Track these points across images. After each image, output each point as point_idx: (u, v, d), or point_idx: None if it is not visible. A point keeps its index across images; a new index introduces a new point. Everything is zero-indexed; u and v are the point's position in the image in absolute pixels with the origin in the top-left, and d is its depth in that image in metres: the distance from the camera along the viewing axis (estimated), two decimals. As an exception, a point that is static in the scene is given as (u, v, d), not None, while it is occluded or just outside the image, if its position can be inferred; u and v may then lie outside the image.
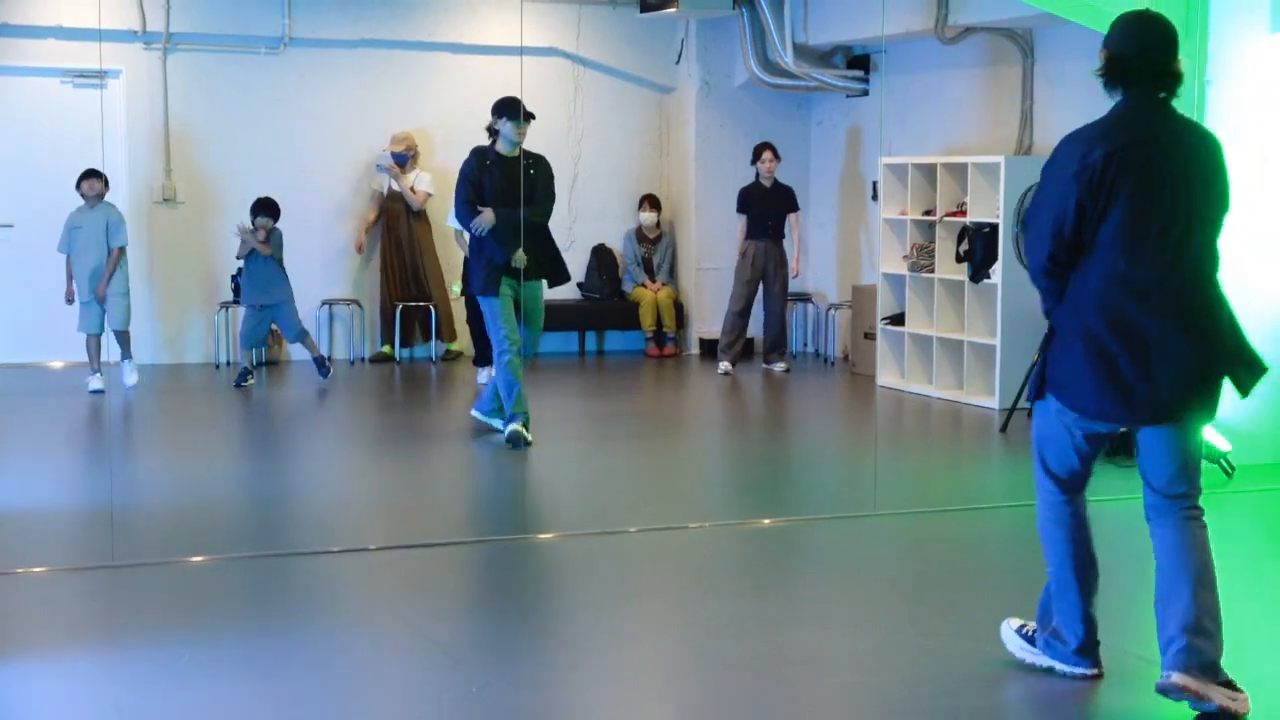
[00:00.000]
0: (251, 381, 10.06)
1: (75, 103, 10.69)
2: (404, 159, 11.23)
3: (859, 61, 11.63)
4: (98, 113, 9.89)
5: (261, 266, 10.15)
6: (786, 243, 11.18)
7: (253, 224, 10.19)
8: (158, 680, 4.51)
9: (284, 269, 10.26)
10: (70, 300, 9.48)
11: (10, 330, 10.41)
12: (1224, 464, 7.40)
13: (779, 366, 11.17)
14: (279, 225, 10.31)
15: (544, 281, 8.31)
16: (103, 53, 9.99)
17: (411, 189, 11.24)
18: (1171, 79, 4.14)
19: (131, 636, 5.00)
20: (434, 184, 11.32)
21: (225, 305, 11.02)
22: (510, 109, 8.14)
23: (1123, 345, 4.04)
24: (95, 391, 9.43)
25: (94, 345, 9.56)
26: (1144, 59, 4.11)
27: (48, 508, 6.87)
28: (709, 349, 11.87)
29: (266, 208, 10.27)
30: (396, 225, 11.29)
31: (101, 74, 10.46)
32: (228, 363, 11.05)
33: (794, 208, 11.23)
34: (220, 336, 11.08)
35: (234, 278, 10.91)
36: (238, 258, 10.30)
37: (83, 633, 5.08)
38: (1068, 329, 4.16)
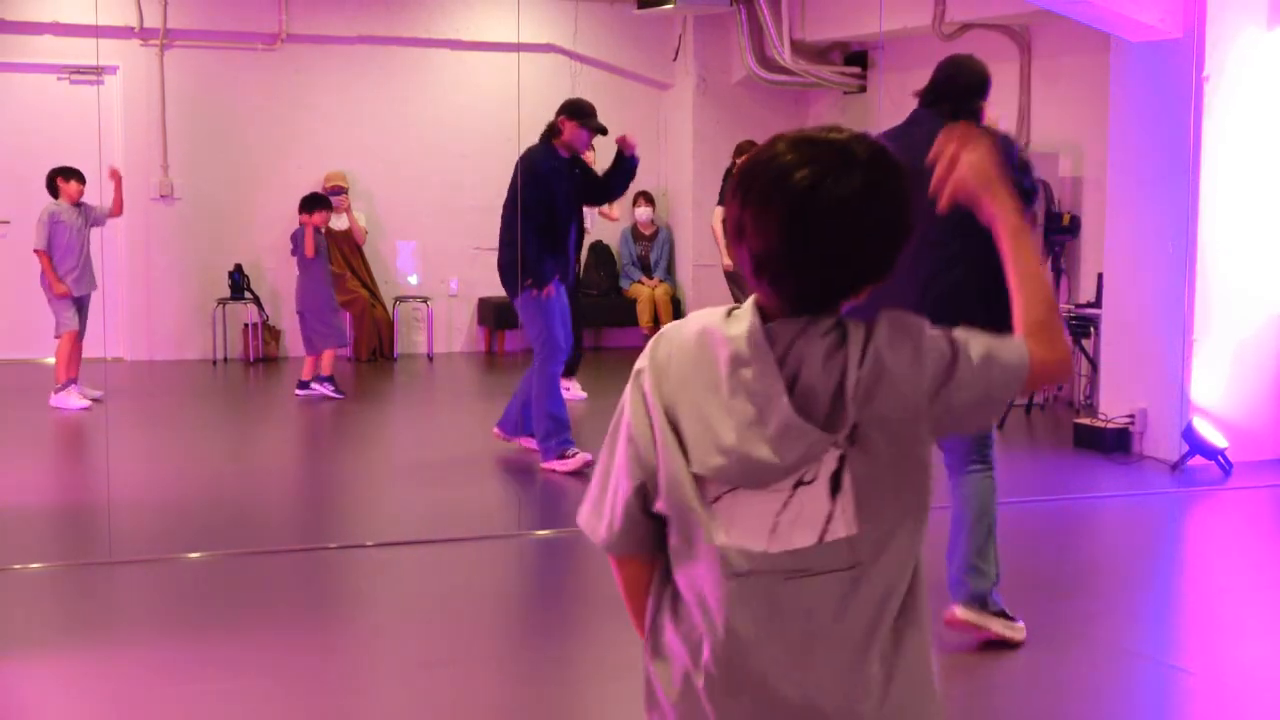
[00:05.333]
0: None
1: (72, 99, 10.67)
2: (341, 192, 11.17)
3: (856, 58, 11.62)
4: (94, 109, 9.87)
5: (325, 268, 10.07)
6: None
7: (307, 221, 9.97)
8: (155, 676, 4.51)
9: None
10: (67, 295, 9.27)
11: (7, 326, 10.39)
12: (1221, 461, 7.41)
13: None
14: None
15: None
16: (100, 49, 9.97)
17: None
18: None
19: (129, 633, 5.00)
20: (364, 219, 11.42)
21: (222, 302, 11.01)
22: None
23: None
24: (96, 400, 9.07)
25: (79, 347, 9.32)
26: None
27: (45, 504, 6.87)
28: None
29: (321, 202, 10.10)
30: (343, 258, 11.23)
31: (98, 70, 10.44)
32: (225, 359, 11.04)
33: None
34: (217, 333, 11.06)
35: (231, 274, 10.90)
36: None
37: (80, 629, 5.08)
38: None
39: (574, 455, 7.27)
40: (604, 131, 7.64)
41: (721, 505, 1.89)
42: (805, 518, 1.86)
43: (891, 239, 1.85)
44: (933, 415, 1.86)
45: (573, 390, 9.21)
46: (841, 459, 1.84)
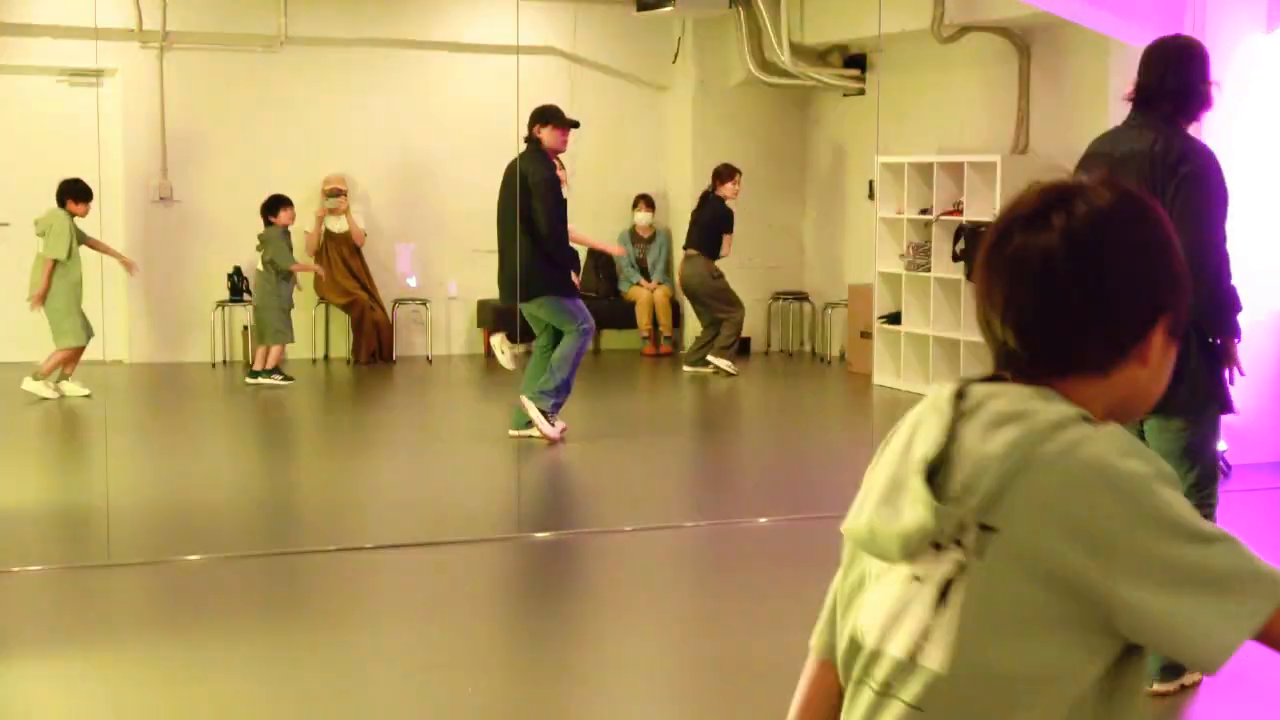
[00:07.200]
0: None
1: (71, 102, 10.67)
2: (340, 194, 11.23)
3: (855, 60, 11.62)
4: (94, 112, 9.86)
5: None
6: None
7: (269, 222, 10.36)
8: (154, 679, 4.50)
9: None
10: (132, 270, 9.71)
11: (7, 329, 10.39)
12: (1221, 464, 7.40)
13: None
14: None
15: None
16: (99, 51, 9.96)
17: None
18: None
19: (127, 635, 5.00)
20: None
21: (222, 304, 11.01)
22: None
23: None
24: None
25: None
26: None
27: (44, 506, 6.87)
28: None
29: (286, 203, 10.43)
30: (342, 260, 11.26)
31: (98, 73, 10.44)
32: (225, 361, 11.04)
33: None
34: (217, 335, 11.06)
35: (230, 277, 10.90)
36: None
37: (79, 631, 5.08)
38: None
39: (558, 425, 7.87)
40: (576, 125, 8.36)
41: (871, 593, 1.62)
42: (907, 621, 1.55)
43: (1092, 304, 1.56)
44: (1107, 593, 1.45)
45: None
46: (960, 567, 1.51)
